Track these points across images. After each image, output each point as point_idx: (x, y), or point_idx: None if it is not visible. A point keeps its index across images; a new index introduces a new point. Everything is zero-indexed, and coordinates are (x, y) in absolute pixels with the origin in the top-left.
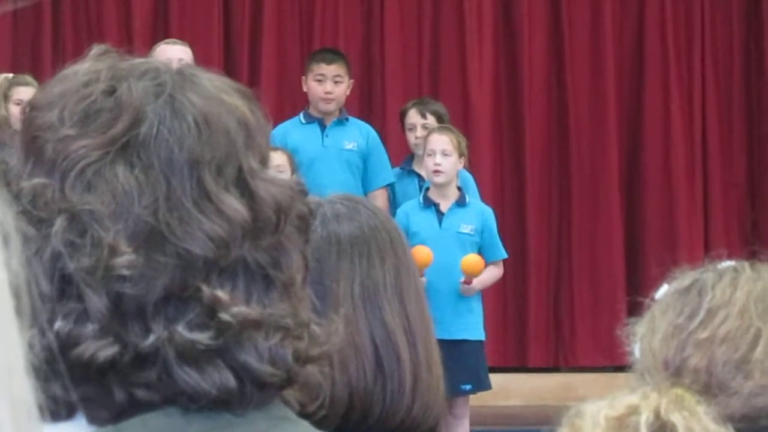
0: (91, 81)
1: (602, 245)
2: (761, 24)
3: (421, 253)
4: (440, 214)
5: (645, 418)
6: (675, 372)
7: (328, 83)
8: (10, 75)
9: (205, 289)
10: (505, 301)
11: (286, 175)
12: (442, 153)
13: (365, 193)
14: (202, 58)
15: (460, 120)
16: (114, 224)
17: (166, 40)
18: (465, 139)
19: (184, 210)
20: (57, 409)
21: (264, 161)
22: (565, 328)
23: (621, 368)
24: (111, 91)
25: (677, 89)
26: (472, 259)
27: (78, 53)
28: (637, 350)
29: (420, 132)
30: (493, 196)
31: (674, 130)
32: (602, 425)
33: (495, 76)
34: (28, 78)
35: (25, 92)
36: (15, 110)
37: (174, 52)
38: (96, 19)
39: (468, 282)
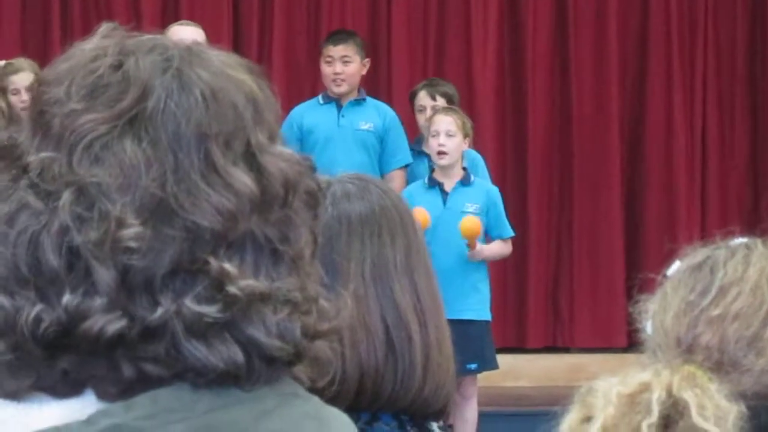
0: (98, 56)
1: (602, 228)
2: (765, 7)
3: (418, 215)
4: (444, 194)
5: (657, 395)
6: (687, 349)
7: (337, 64)
8: (2, 63)
9: (213, 262)
10: (504, 282)
11: None
12: (446, 134)
13: (382, 174)
14: (211, 41)
15: (464, 103)
16: (121, 197)
17: (180, 22)
18: (470, 120)
19: (192, 183)
20: (65, 385)
21: (272, 137)
22: (564, 311)
23: (619, 350)
24: (118, 66)
25: (680, 72)
26: (469, 220)
27: (87, 36)
28: (649, 327)
29: (430, 114)
30: (495, 178)
31: (676, 114)
32: (614, 402)
33: (499, 60)
34: (20, 63)
35: (19, 79)
36: (14, 99)
37: (187, 34)
38: (105, 1)
39: (471, 246)
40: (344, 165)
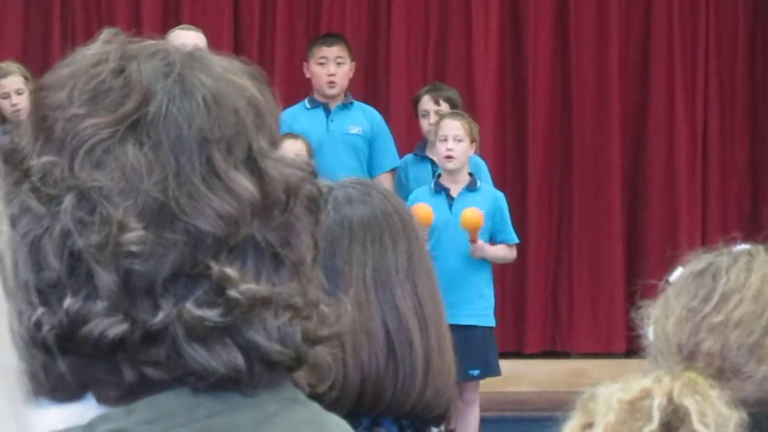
0: (100, 61)
1: (603, 232)
2: (767, 9)
3: (421, 211)
4: (451, 199)
5: (658, 401)
6: (688, 356)
7: (331, 65)
8: None
9: (215, 267)
10: (504, 286)
11: None
12: (454, 138)
13: (370, 178)
14: (212, 45)
15: (465, 107)
16: (123, 201)
17: (181, 26)
18: (476, 124)
19: (193, 187)
20: (66, 389)
21: (274, 142)
22: (563, 315)
23: (618, 355)
24: (120, 71)
25: (681, 78)
26: (471, 212)
27: (88, 40)
28: (650, 333)
29: (433, 118)
30: (495, 182)
31: (677, 118)
32: (615, 408)
33: (500, 65)
34: (9, 66)
35: (8, 83)
36: (4, 103)
37: (188, 38)
38: (106, 5)
39: (473, 239)
40: (335, 169)
